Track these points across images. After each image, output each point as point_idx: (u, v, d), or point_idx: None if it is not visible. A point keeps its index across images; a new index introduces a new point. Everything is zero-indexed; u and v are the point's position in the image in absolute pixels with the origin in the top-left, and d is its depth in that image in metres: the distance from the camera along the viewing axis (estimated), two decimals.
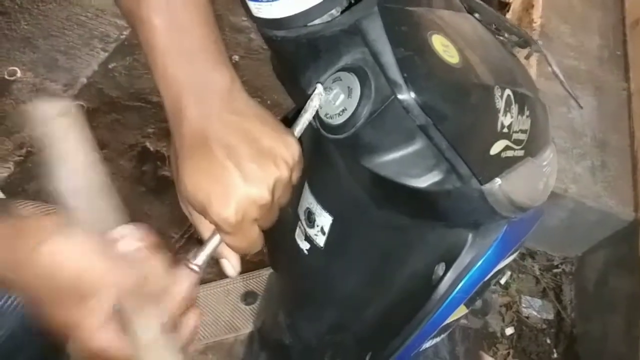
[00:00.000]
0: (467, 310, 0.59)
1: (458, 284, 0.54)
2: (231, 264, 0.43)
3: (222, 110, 0.40)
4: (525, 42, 0.57)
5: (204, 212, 0.38)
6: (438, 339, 0.60)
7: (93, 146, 0.39)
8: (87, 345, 0.34)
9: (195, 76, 0.39)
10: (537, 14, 1.64)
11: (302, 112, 0.44)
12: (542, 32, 1.60)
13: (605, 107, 1.48)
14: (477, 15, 0.57)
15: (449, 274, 0.54)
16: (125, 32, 1.70)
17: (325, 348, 0.75)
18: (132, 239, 0.36)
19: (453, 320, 0.57)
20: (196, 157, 0.38)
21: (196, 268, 0.39)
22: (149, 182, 1.43)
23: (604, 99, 1.51)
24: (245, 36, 1.69)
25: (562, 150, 1.35)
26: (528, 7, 1.70)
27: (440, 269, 0.55)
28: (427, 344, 0.59)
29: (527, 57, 0.55)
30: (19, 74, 1.55)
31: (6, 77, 1.53)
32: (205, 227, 0.41)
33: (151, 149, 1.49)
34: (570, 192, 1.30)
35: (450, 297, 0.54)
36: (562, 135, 1.39)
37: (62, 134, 0.37)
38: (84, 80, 1.58)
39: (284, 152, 0.40)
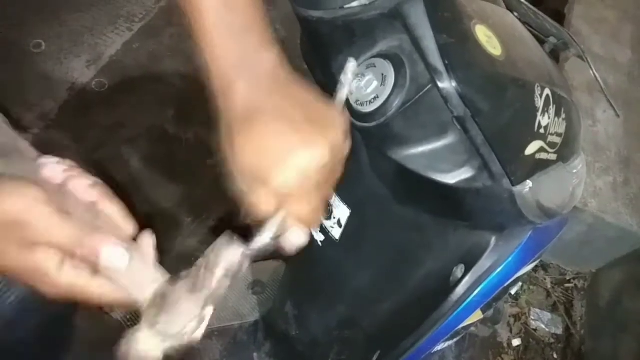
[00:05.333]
0: (482, 316, 0.57)
1: (476, 288, 0.52)
2: (297, 233, 0.39)
3: (270, 83, 0.39)
4: (565, 45, 0.55)
5: (264, 182, 0.37)
6: (451, 342, 0.58)
7: None
8: (54, 284, 0.34)
9: (243, 54, 0.39)
10: (567, 23, 1.61)
11: (339, 86, 0.42)
12: None
13: (632, 123, 1.45)
14: (516, 14, 0.55)
15: (467, 277, 0.52)
16: (151, 14, 1.70)
17: (332, 343, 0.74)
18: (57, 167, 0.37)
19: (467, 325, 0.56)
20: (249, 128, 0.37)
21: (262, 247, 0.37)
22: (165, 165, 1.42)
23: (632, 115, 1.47)
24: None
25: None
26: (559, 15, 1.67)
27: (459, 270, 0.53)
28: (439, 347, 0.57)
29: (565, 61, 0.53)
30: (43, 46, 1.55)
31: (31, 49, 1.53)
32: (267, 205, 0.38)
33: (170, 131, 1.48)
34: (590, 207, 1.27)
35: (468, 300, 0.53)
36: (584, 148, 1.35)
37: None
38: (107, 58, 1.58)
39: (335, 118, 0.38)
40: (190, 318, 0.35)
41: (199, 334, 0.36)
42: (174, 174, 1.41)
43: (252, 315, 0.96)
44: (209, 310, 0.36)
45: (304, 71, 0.52)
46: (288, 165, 0.36)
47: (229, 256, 0.36)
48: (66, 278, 0.34)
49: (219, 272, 0.36)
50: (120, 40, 1.62)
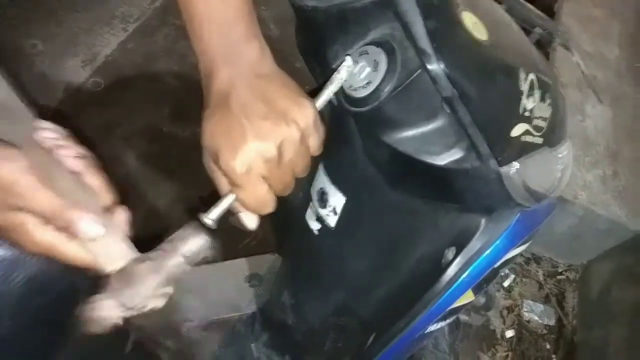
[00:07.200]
0: (474, 297, 0.59)
1: (467, 269, 0.54)
2: (248, 217, 0.45)
3: (248, 75, 0.43)
4: (550, 35, 0.57)
5: (216, 161, 0.41)
6: (443, 323, 0.60)
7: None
8: (35, 242, 0.37)
9: (228, 46, 0.43)
10: (557, 20, 1.63)
11: (328, 83, 0.44)
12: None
13: (621, 118, 1.48)
14: (504, 6, 0.57)
15: (458, 258, 0.54)
16: (146, 14, 1.72)
17: (329, 330, 0.75)
18: (47, 131, 0.40)
19: (460, 305, 0.58)
20: (217, 113, 0.41)
21: (210, 222, 0.42)
22: (161, 163, 1.44)
23: (620, 110, 1.50)
24: (263, 26, 1.70)
25: (574, 158, 1.34)
26: (549, 13, 1.70)
27: (450, 252, 0.55)
28: (432, 327, 0.59)
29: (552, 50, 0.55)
30: (39, 46, 1.56)
31: (27, 49, 1.55)
32: (223, 184, 0.43)
33: (165, 130, 1.50)
34: (580, 199, 1.30)
35: (459, 281, 0.55)
36: (574, 142, 1.37)
37: None
38: (102, 58, 1.59)
39: (297, 113, 0.41)
40: (150, 295, 0.39)
41: (158, 306, 0.40)
42: (170, 171, 1.42)
43: (249, 307, 0.97)
44: (169, 289, 0.40)
45: (297, 69, 0.54)
46: (234, 152, 0.40)
47: (192, 244, 0.40)
48: (46, 238, 0.37)
49: (180, 257, 0.40)
50: (115, 40, 1.63)
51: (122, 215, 0.42)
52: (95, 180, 0.41)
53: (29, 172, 0.36)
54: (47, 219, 0.37)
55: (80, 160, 0.40)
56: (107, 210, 0.41)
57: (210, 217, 0.42)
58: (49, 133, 0.40)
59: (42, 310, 0.49)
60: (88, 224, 0.38)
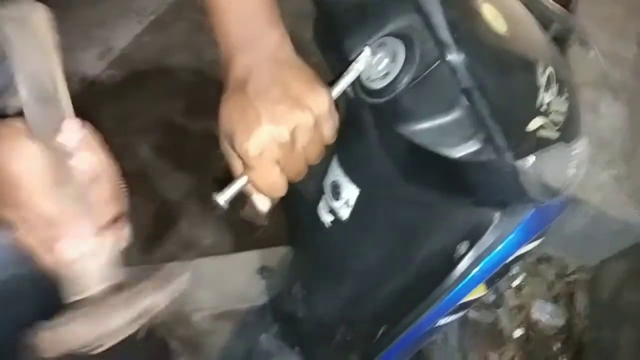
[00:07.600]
0: (486, 292, 0.59)
1: (479, 263, 0.55)
2: (260, 200, 0.46)
3: (267, 61, 0.44)
4: (568, 31, 0.57)
5: (231, 144, 0.42)
6: (454, 317, 0.60)
7: (55, 50, 0.43)
8: (22, 240, 0.38)
9: (247, 35, 0.44)
10: (574, 16, 1.62)
11: (345, 73, 0.45)
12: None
13: (637, 118, 1.46)
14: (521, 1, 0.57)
15: (471, 252, 0.55)
16: (161, 8, 1.73)
17: (339, 323, 0.76)
18: (73, 134, 0.40)
19: (470, 300, 0.58)
20: (233, 97, 0.43)
21: (223, 202, 0.43)
22: (174, 156, 1.45)
23: (636, 109, 1.48)
24: None
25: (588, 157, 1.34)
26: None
27: (463, 246, 0.55)
28: (442, 321, 0.59)
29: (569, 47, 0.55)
30: (56, 38, 1.58)
31: None
32: (237, 166, 0.44)
33: (178, 123, 1.51)
34: (593, 200, 1.28)
35: (470, 275, 0.55)
36: (588, 141, 1.37)
37: (20, 36, 0.39)
38: (117, 51, 1.61)
39: (311, 100, 0.42)
40: (120, 326, 0.38)
41: (123, 335, 0.39)
42: (183, 164, 1.43)
43: (260, 298, 0.98)
44: (139, 323, 0.39)
45: (312, 64, 0.54)
46: (248, 135, 0.41)
47: (175, 285, 0.41)
48: (32, 240, 0.38)
49: (159, 296, 0.40)
50: (131, 33, 1.65)
51: (119, 233, 0.41)
52: (103, 193, 0.40)
53: (40, 173, 0.36)
54: (37, 224, 0.37)
55: (93, 170, 0.40)
56: (107, 226, 0.40)
57: (223, 197, 0.43)
58: (73, 136, 0.39)
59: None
60: (69, 246, 0.38)
